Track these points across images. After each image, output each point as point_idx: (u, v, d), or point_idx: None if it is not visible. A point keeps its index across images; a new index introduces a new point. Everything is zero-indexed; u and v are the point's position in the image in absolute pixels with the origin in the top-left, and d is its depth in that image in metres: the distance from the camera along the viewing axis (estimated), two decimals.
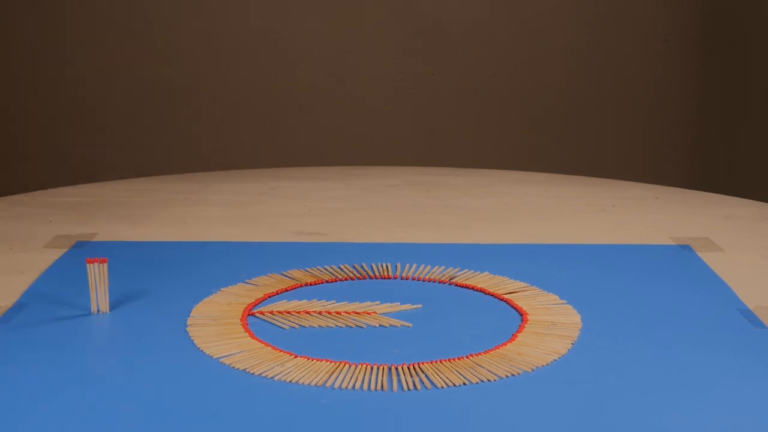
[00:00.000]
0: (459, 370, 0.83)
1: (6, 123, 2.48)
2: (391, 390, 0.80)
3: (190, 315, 0.95)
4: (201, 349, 0.88)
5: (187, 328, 0.92)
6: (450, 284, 1.05)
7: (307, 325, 0.93)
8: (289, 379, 0.81)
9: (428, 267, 1.09)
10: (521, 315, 0.96)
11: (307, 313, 0.96)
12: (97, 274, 0.96)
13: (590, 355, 0.88)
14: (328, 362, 0.84)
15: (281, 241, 1.23)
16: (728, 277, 1.08)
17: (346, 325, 0.93)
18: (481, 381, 0.82)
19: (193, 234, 1.26)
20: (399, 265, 1.10)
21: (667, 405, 0.78)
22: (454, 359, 0.85)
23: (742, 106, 2.51)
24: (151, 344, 0.90)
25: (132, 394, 0.79)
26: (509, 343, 0.89)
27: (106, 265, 0.95)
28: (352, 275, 1.07)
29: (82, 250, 1.16)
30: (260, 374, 0.83)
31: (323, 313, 0.96)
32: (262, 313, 0.96)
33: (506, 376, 0.83)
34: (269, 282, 1.05)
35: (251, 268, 1.08)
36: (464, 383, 0.81)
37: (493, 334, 0.91)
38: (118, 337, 0.92)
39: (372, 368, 0.83)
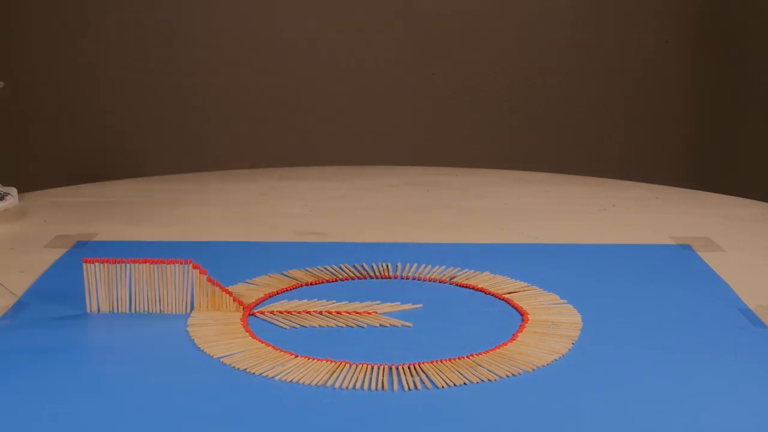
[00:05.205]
0: (459, 370, 0.83)
1: (7, 123, 2.48)
2: (391, 390, 0.80)
3: (191, 315, 0.95)
4: (201, 348, 0.88)
5: (188, 328, 0.92)
6: (450, 284, 1.05)
7: (307, 325, 0.93)
8: (289, 379, 0.82)
9: (428, 267, 1.09)
10: (522, 315, 0.96)
11: (307, 312, 0.96)
12: (97, 274, 0.96)
13: (590, 355, 0.88)
14: (329, 362, 0.84)
15: (281, 241, 1.23)
16: (728, 277, 1.08)
17: (347, 325, 0.93)
18: (482, 381, 0.82)
19: (193, 234, 1.26)
20: (399, 265, 1.10)
21: (667, 404, 0.78)
22: (454, 359, 0.85)
23: (741, 106, 2.51)
24: (152, 344, 0.90)
25: (132, 394, 0.79)
26: (510, 343, 0.89)
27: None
28: (352, 275, 1.07)
29: (83, 250, 1.16)
30: (261, 374, 0.83)
31: (323, 313, 0.96)
32: (262, 312, 0.96)
33: (506, 376, 0.83)
34: (269, 282, 1.05)
35: (251, 268, 1.08)
36: (464, 383, 0.81)
37: (494, 334, 0.91)
38: (118, 337, 0.92)
39: (372, 368, 0.83)
